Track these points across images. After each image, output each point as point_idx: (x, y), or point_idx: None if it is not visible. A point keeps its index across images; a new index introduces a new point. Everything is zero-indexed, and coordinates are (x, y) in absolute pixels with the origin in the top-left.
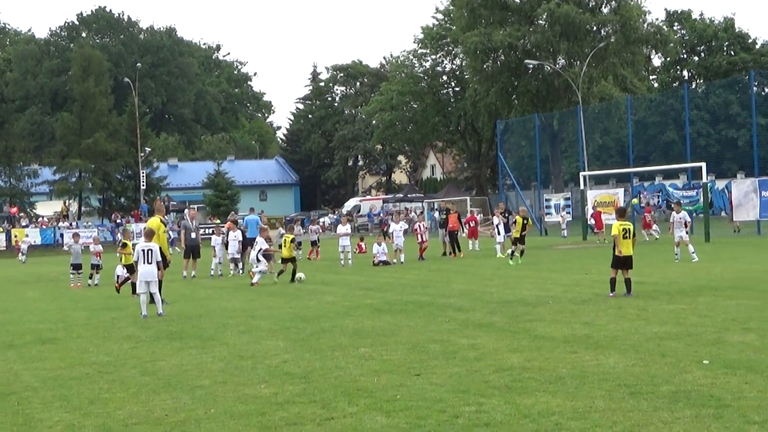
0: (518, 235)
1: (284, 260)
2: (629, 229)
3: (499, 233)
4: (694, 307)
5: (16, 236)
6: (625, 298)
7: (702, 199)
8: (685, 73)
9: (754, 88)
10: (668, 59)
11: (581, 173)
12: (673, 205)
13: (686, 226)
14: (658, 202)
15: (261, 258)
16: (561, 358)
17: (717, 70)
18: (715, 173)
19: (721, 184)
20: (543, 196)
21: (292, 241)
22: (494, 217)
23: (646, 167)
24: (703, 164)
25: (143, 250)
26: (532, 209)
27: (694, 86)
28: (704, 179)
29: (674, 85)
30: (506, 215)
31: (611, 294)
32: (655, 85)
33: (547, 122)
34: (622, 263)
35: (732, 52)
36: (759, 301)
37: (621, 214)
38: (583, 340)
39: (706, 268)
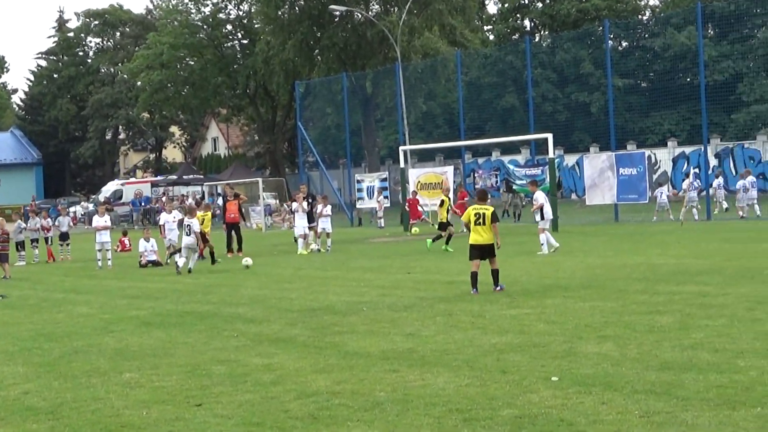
0: (445, 219)
1: None
2: (483, 213)
3: (299, 223)
4: (540, 312)
5: None
6: (457, 302)
7: (548, 179)
8: (526, 23)
9: (610, 42)
10: (506, 6)
11: (401, 147)
12: (527, 185)
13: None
14: (496, 182)
15: None
16: (378, 378)
17: (565, 20)
18: (563, 147)
19: (571, 159)
20: (354, 177)
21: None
22: (293, 203)
23: (481, 140)
24: (550, 135)
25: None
26: (340, 193)
27: (537, 39)
28: (551, 154)
29: (514, 37)
30: (309, 200)
31: (473, 291)
32: (491, 37)
33: (358, 83)
34: (479, 253)
35: None
36: (616, 302)
37: (481, 197)
38: (405, 356)
39: (554, 263)
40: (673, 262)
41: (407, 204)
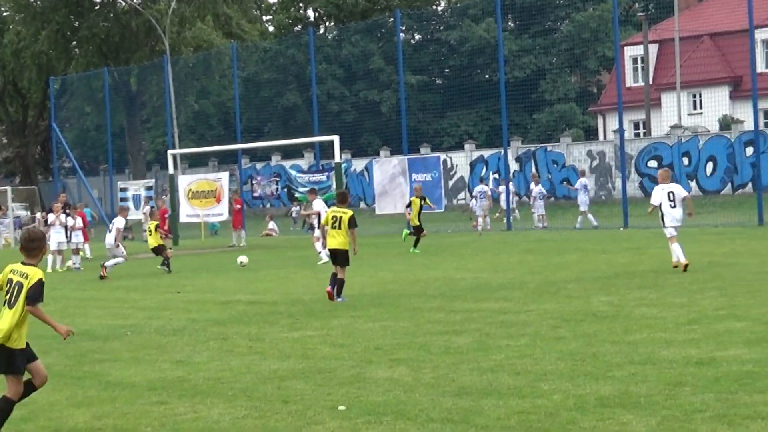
0: (417, 222)
1: None
2: (340, 217)
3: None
4: (325, 334)
5: None
6: (233, 324)
7: (334, 186)
8: (310, 13)
9: (402, 35)
10: None
11: (169, 152)
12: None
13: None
14: (276, 189)
15: None
16: (144, 411)
17: (353, 10)
18: (351, 150)
19: (359, 164)
20: (117, 184)
21: None
22: (50, 215)
23: (259, 142)
24: (336, 138)
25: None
26: (101, 202)
27: (322, 31)
28: (337, 158)
29: (296, 29)
30: (66, 211)
31: (329, 289)
32: (271, 29)
33: (121, 79)
34: (335, 257)
35: None
36: (410, 321)
37: (341, 200)
38: (175, 386)
39: None
40: (472, 277)
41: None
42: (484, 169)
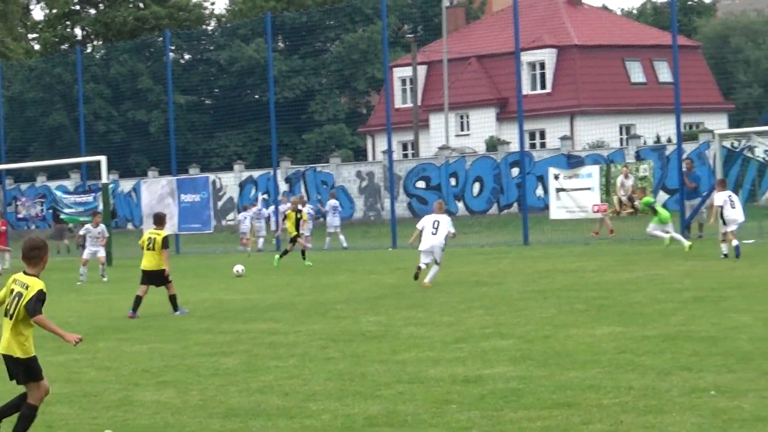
0: (294, 233)
1: None
2: (154, 239)
3: None
4: (92, 357)
5: None
6: None
7: (101, 206)
8: (77, 31)
9: (171, 54)
10: (54, 12)
11: None
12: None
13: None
14: (42, 210)
15: None
16: None
17: (121, 29)
18: (119, 171)
19: (127, 185)
20: None
21: None
22: None
23: (25, 163)
24: (103, 158)
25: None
26: None
27: (90, 50)
28: (104, 179)
29: (63, 47)
30: None
31: (131, 314)
32: (37, 47)
33: None
34: (148, 279)
35: (140, 5)
36: (178, 343)
37: (157, 221)
38: None
39: (107, 302)
40: (241, 298)
41: None
42: (254, 190)
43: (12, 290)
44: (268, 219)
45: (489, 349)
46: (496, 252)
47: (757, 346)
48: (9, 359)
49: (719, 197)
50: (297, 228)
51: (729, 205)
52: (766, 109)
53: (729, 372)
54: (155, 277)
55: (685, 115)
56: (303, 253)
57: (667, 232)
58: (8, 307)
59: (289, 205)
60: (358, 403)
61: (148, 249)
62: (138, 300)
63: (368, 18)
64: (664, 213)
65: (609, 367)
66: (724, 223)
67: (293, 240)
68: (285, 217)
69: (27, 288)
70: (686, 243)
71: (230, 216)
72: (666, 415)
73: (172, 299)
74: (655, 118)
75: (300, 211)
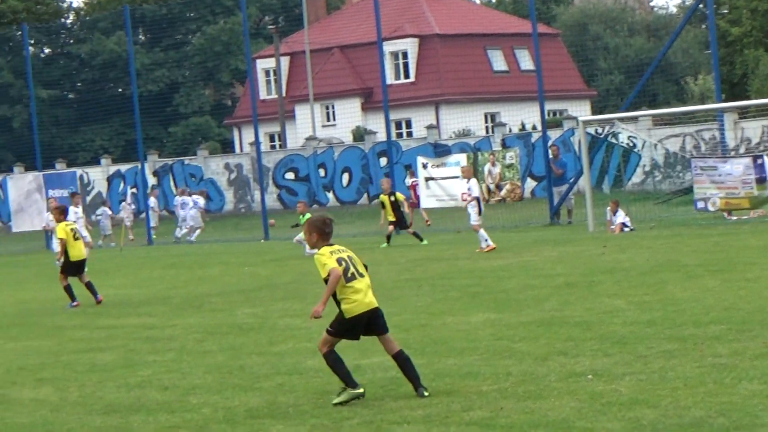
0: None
1: None
2: (76, 229)
3: None
4: None
5: None
6: None
7: None
8: None
9: (31, 49)
10: None
11: None
12: None
13: None
14: None
15: None
16: None
17: None
18: None
19: None
20: None
21: None
22: None
23: None
24: None
25: None
26: None
27: None
28: None
29: None
30: None
31: (73, 303)
32: None
33: None
34: (76, 269)
35: None
36: (53, 340)
37: (62, 212)
38: None
39: None
40: (114, 293)
41: None
42: (122, 184)
43: (341, 259)
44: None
45: (365, 339)
46: (368, 242)
47: (631, 330)
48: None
49: None
50: (394, 211)
51: None
52: (627, 95)
53: (605, 356)
54: (81, 267)
55: (548, 102)
56: (416, 234)
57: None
58: (353, 271)
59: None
60: (239, 395)
61: (75, 239)
62: (67, 289)
63: (229, 10)
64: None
65: (486, 353)
66: None
67: (393, 224)
68: (382, 205)
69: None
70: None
71: (99, 211)
72: (545, 401)
73: (90, 286)
74: (519, 106)
75: (393, 194)
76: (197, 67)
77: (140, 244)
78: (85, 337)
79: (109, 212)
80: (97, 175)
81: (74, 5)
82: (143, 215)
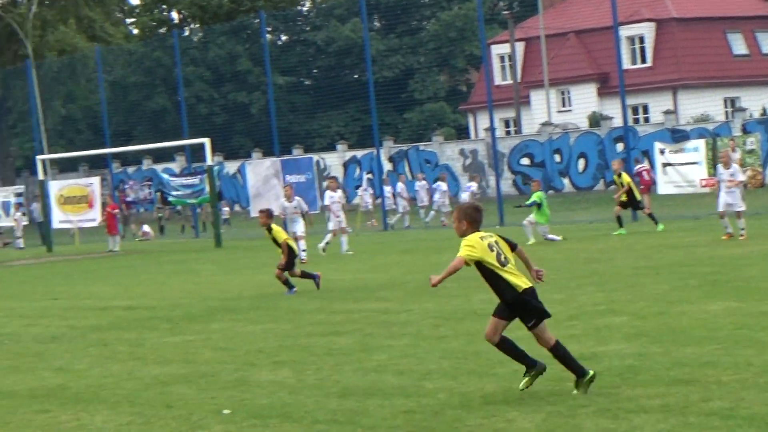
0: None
1: None
2: None
3: None
4: (206, 338)
5: None
6: (112, 330)
7: (208, 189)
8: (174, 14)
9: (268, 36)
10: None
11: (38, 157)
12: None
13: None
14: (150, 193)
15: None
16: (27, 421)
17: (217, 11)
18: (223, 153)
19: (232, 166)
20: None
21: None
22: None
23: (130, 146)
24: (207, 140)
25: None
26: None
27: (187, 33)
28: (209, 161)
29: (161, 31)
30: None
31: (292, 290)
32: (135, 31)
33: None
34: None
35: None
36: (291, 324)
37: (269, 216)
38: (56, 394)
39: (219, 283)
40: (350, 278)
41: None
42: (358, 170)
43: (490, 245)
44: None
45: (602, 326)
46: (605, 228)
47: None
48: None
49: None
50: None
51: None
52: None
53: None
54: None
55: None
56: (651, 216)
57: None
58: (502, 259)
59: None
60: (474, 381)
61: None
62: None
63: None
64: (546, 213)
65: (726, 343)
66: None
67: (623, 204)
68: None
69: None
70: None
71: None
72: None
73: (304, 275)
74: (760, 90)
75: (620, 175)
76: (432, 53)
77: (377, 229)
78: (323, 321)
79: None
80: (333, 161)
81: None
82: (379, 201)
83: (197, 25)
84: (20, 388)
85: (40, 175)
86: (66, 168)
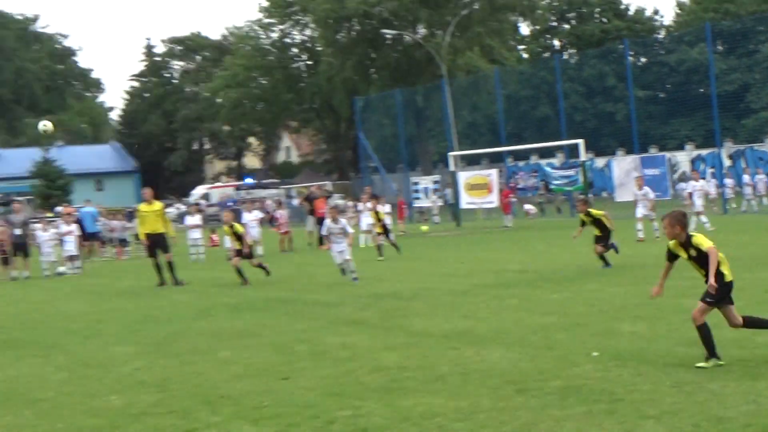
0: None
1: None
2: None
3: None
4: (580, 296)
5: None
6: (506, 288)
7: (582, 179)
8: (556, 42)
9: (630, 59)
10: (537, 27)
11: (450, 153)
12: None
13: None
14: (535, 182)
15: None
16: (441, 354)
17: (590, 39)
18: (594, 151)
19: (601, 162)
20: (410, 179)
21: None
22: (359, 204)
23: (520, 145)
24: (581, 141)
25: None
26: (399, 193)
27: (566, 57)
28: (582, 157)
29: (545, 55)
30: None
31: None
32: (525, 56)
33: (409, 98)
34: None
35: (604, 20)
36: (648, 286)
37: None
38: (463, 335)
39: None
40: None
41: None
42: (702, 165)
43: None
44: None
45: None
46: None
47: None
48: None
49: None
50: None
51: None
52: None
53: None
54: None
55: None
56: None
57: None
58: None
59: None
60: None
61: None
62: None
63: None
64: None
65: None
66: None
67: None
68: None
69: None
70: None
71: (680, 185)
72: None
73: None
74: None
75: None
76: (765, 70)
77: (717, 213)
78: (673, 285)
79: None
80: (682, 158)
81: (665, 23)
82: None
83: (574, 51)
84: (436, 330)
85: (452, 167)
86: (471, 162)
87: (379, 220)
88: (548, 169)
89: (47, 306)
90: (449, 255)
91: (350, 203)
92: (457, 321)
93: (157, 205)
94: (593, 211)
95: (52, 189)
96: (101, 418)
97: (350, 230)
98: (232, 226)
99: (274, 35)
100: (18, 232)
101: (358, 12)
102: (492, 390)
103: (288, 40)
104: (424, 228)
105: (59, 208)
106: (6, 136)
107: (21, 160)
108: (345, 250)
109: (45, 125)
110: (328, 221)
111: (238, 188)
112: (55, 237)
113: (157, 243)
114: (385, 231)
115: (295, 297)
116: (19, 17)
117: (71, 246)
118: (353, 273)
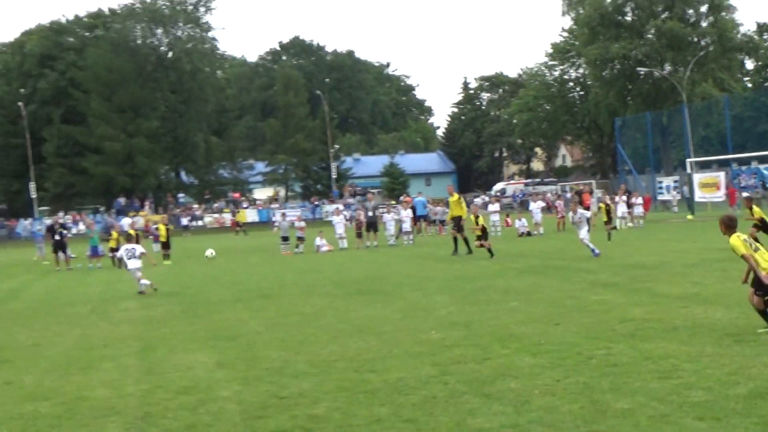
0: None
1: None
2: None
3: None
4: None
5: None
6: (730, 262)
7: None
8: None
9: None
10: (759, 63)
11: (687, 160)
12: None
13: None
14: (754, 182)
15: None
16: (676, 311)
17: None
18: None
19: None
20: (656, 179)
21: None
22: (616, 197)
23: (743, 154)
24: None
25: None
26: (645, 189)
27: None
28: None
29: (765, 84)
30: (627, 194)
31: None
32: (749, 85)
33: (657, 119)
34: None
35: None
36: None
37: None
38: (693, 297)
39: None
40: None
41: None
42: None
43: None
44: None
45: None
46: None
47: None
48: None
49: None
50: None
51: None
52: None
53: None
54: None
55: None
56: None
57: None
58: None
59: None
60: None
61: None
62: None
63: None
64: None
65: None
66: None
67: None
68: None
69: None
70: None
71: None
72: None
73: None
74: None
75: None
76: None
77: None
78: None
79: None
80: None
81: None
82: None
83: None
84: (672, 293)
85: (688, 170)
86: (703, 167)
87: (608, 213)
88: (765, 171)
89: (388, 267)
90: (684, 236)
91: (607, 197)
92: (688, 286)
93: (456, 196)
94: (756, 208)
95: (395, 184)
96: (424, 346)
97: (588, 216)
98: (477, 217)
99: (556, 73)
100: (370, 214)
101: (619, 55)
102: (715, 339)
103: (566, 77)
104: (690, 216)
105: (401, 198)
106: (365, 147)
107: (375, 164)
108: (585, 237)
109: (212, 253)
110: (570, 213)
111: (526, 185)
112: (395, 218)
113: (456, 223)
114: (609, 219)
115: (565, 265)
116: (377, 64)
117: (407, 225)
118: (595, 250)
